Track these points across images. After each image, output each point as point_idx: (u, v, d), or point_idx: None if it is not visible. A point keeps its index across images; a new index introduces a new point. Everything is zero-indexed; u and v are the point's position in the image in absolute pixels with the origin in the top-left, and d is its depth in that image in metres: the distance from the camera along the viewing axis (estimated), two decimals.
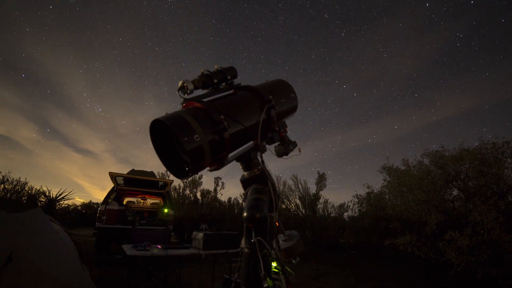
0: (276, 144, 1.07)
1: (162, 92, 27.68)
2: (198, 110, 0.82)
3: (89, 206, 23.28)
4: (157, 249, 3.61)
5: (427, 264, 6.80)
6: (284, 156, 1.07)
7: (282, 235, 0.93)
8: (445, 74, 22.51)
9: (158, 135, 0.83)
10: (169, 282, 4.89)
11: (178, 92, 0.85)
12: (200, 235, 3.76)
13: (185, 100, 0.86)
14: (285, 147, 1.05)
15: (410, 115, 24.48)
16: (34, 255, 2.99)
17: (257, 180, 0.95)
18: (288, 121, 1.18)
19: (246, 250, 0.82)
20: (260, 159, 0.96)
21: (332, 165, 28.70)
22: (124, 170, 8.19)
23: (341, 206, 12.92)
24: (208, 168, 0.87)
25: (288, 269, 0.82)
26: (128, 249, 3.50)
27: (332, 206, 13.15)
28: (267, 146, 1.03)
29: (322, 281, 6.09)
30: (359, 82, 26.33)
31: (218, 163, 0.87)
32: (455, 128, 21.81)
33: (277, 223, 0.93)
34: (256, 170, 0.96)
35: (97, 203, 23.61)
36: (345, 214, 12.79)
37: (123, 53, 27.59)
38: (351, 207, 12.43)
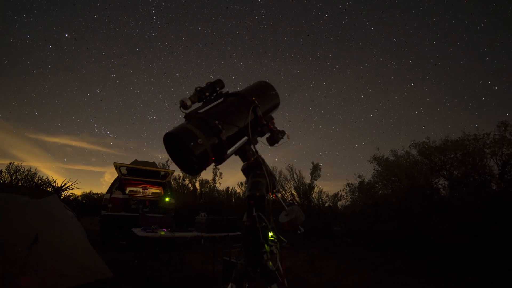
0: (267, 135, 1.21)
1: (162, 104, 28.36)
2: (197, 120, 1.00)
3: (89, 197, 23.57)
4: (163, 232, 3.96)
5: (413, 248, 7.24)
6: (275, 144, 1.21)
7: (284, 210, 1.05)
8: (437, 34, 22.24)
9: (170, 145, 1.05)
10: (172, 264, 5.28)
11: (180, 108, 1.06)
12: (203, 218, 4.10)
13: (186, 114, 1.07)
14: (275, 137, 1.20)
15: (408, 82, 24.39)
16: (55, 236, 3.32)
17: (254, 167, 1.11)
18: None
19: (247, 222, 0.97)
20: (254, 150, 1.12)
21: (336, 148, 28.86)
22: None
23: (335, 195, 13.35)
24: (213, 164, 1.04)
25: (282, 238, 1.02)
26: (138, 231, 3.85)
27: (326, 196, 13.57)
28: (259, 138, 1.18)
29: (317, 264, 6.46)
30: (351, 59, 26.27)
31: (220, 159, 1.03)
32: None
33: (276, 198, 1.10)
34: (252, 159, 1.12)
35: (97, 193, 23.95)
36: (339, 203, 13.23)
37: (120, 75, 28.61)
38: (344, 196, 12.87)
